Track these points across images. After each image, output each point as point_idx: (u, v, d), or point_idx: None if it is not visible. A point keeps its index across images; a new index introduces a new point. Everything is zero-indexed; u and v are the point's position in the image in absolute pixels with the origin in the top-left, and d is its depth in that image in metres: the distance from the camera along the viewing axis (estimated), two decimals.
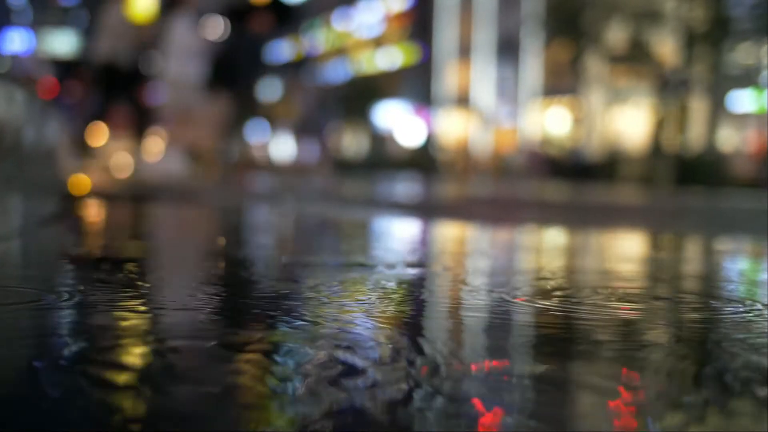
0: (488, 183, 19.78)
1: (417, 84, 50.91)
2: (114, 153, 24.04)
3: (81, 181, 10.00)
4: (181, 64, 11.17)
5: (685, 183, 19.57)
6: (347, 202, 7.85)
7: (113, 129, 22.93)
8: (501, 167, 34.21)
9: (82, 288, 1.99)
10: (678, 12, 28.01)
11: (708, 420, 0.99)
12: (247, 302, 1.87)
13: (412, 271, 2.39)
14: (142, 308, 1.70)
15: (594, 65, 34.19)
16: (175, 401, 1.00)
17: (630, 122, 36.69)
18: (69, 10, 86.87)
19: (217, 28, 12.31)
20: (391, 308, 1.74)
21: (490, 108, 44.84)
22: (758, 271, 2.87)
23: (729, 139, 33.11)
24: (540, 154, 32.75)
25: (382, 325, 1.51)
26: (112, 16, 11.45)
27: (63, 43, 65.04)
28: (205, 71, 11.71)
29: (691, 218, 6.86)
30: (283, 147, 63.28)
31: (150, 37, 11.46)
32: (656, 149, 27.09)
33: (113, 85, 11.31)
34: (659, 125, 28.24)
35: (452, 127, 47.04)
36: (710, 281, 2.58)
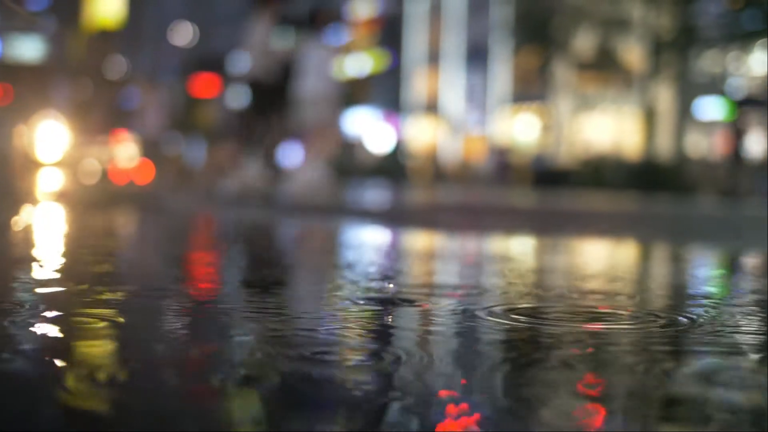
0: (456, 190, 19.82)
1: (386, 90, 50.91)
2: (82, 159, 23.95)
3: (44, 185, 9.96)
4: (317, 81, 11.68)
5: (652, 189, 19.69)
6: (311, 210, 7.85)
7: (83, 135, 22.85)
8: (469, 174, 34.26)
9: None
10: (645, 20, 28.20)
11: None
12: None
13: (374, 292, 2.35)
14: None
15: (562, 72, 34.35)
16: None
17: (597, 128, 36.87)
18: (36, 15, 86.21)
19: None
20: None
21: (459, 115, 44.91)
22: (702, 282, 2.91)
23: (696, 146, 33.33)
24: (503, 161, 32.81)
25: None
26: (257, 36, 11.83)
27: (30, 48, 64.56)
28: (336, 87, 12.40)
29: (655, 225, 6.92)
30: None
31: (288, 55, 11.91)
32: (622, 156, 27.23)
33: (261, 103, 11.76)
34: (626, 132, 28.39)
35: (421, 134, 47.07)
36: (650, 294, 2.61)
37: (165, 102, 21.27)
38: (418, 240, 4.50)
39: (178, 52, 70.36)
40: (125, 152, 23.03)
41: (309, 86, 11.61)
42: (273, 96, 11.72)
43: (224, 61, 28.55)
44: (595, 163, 27.39)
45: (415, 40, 49.43)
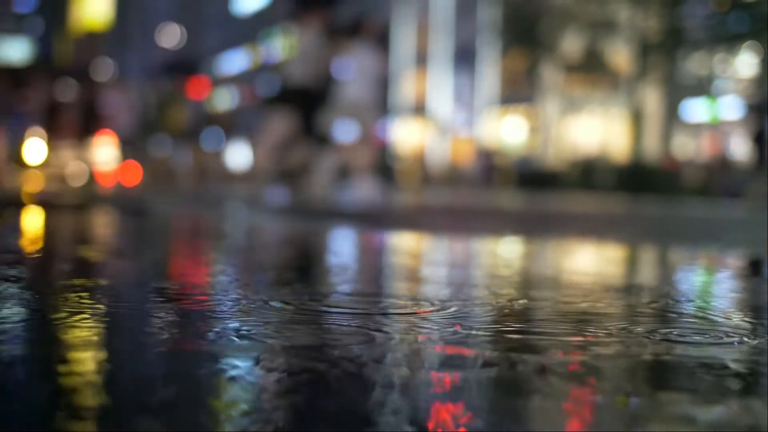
0: (444, 192, 19.82)
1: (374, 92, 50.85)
2: (68, 161, 23.88)
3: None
4: (361, 88, 11.92)
5: (639, 191, 19.72)
6: (299, 212, 7.83)
7: (61, 137, 22.80)
8: (456, 176, 34.27)
9: None
10: (632, 22, 28.27)
11: None
12: None
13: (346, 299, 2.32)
14: None
15: (550, 74, 34.41)
16: None
17: (585, 130, 36.95)
18: (24, 17, 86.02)
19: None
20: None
21: (447, 117, 44.94)
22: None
23: (683, 148, 33.42)
24: (490, 163, 32.82)
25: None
26: (305, 42, 12.03)
27: (17, 50, 64.47)
28: (379, 94, 12.68)
29: (642, 227, 6.92)
30: (237, 155, 63.12)
31: (331, 62, 12.16)
32: (609, 158, 27.30)
33: (306, 109, 12.00)
34: (614, 134, 28.48)
35: (409, 136, 47.07)
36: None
37: (134, 103, 21.27)
38: (406, 242, 4.48)
39: (163, 53, 70.32)
40: (111, 154, 23.00)
41: (353, 94, 11.83)
42: (316, 103, 11.95)
43: (199, 63, 28.69)
44: (582, 165, 27.44)
45: (403, 42, 49.44)
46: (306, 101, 11.81)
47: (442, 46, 45.87)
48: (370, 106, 12.23)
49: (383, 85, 12.95)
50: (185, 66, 27.59)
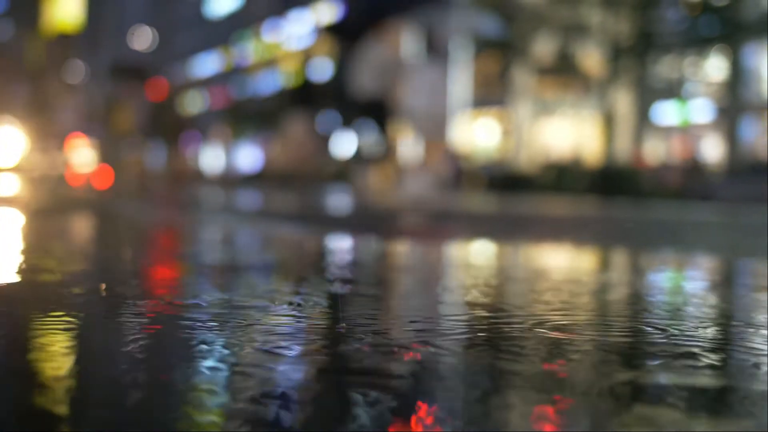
0: (415, 194, 19.83)
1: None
2: (40, 163, 23.75)
3: None
4: (429, 98, 12.42)
5: (611, 194, 19.82)
6: (268, 216, 7.84)
7: (41, 139, 22.67)
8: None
9: None
10: (604, 25, 28.41)
11: None
12: None
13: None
14: None
15: (522, 77, 34.52)
16: None
17: (557, 133, 37.06)
18: None
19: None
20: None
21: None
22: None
23: (654, 151, 33.59)
24: (458, 166, 32.81)
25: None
26: (373, 54, 12.44)
27: None
28: (445, 103, 13.19)
29: (611, 230, 6.97)
30: (210, 158, 62.82)
31: (397, 74, 12.59)
32: (582, 160, 27.40)
33: (375, 117, 12.48)
34: (586, 136, 28.60)
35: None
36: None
37: (81, 103, 21.26)
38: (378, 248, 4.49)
39: (136, 55, 70.03)
40: (83, 157, 22.91)
41: (421, 103, 12.27)
42: (385, 113, 12.40)
43: (148, 66, 28.63)
44: (554, 167, 27.53)
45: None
46: (377, 112, 12.29)
47: (415, 48, 45.86)
48: (438, 114, 12.84)
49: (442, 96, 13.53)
50: (141, 68, 27.54)
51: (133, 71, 26.14)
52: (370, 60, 12.33)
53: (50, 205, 8.46)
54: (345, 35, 25.87)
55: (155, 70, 61.89)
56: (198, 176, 40.87)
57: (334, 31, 27.39)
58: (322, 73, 54.20)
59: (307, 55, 58.63)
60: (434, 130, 12.53)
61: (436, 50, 12.88)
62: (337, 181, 24.10)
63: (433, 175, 13.03)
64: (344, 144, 34.83)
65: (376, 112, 12.30)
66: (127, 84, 24.87)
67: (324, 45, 56.23)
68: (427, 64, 12.25)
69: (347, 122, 31.62)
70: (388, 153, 13.35)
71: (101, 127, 23.65)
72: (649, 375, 1.31)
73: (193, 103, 66.73)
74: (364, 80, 12.25)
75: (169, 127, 26.90)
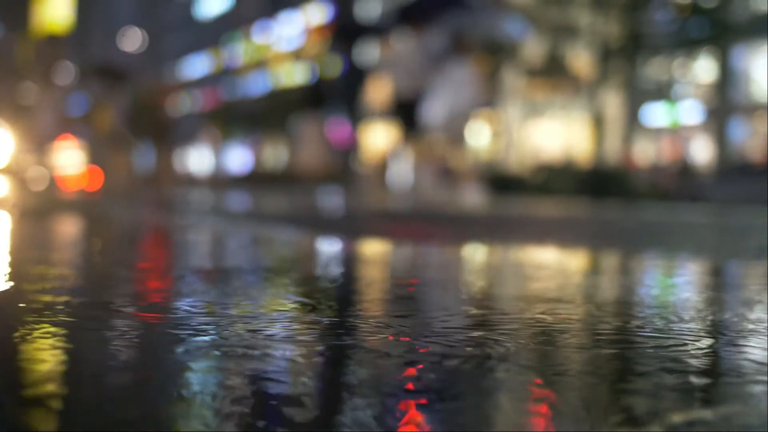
0: (407, 196, 19.82)
1: (337, 96, 50.82)
2: (29, 165, 23.71)
3: None
4: (456, 101, 12.55)
5: (601, 195, 19.85)
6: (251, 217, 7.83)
7: (30, 141, 22.65)
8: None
9: None
10: (593, 27, 28.47)
11: None
12: None
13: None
14: None
15: (511, 79, 34.58)
16: None
17: (547, 135, 37.14)
18: None
19: None
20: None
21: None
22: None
23: (643, 152, 33.68)
24: (446, 167, 32.80)
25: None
26: (405, 56, 12.64)
27: None
28: (471, 107, 13.50)
29: (600, 231, 6.98)
30: (199, 160, 62.69)
31: (430, 76, 12.83)
32: (571, 162, 27.46)
33: (408, 120, 12.81)
34: (575, 138, 28.65)
35: (374, 140, 47.09)
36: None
37: (60, 103, 21.18)
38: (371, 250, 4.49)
39: (126, 56, 69.97)
40: (72, 158, 22.85)
41: (448, 105, 12.41)
42: (417, 115, 12.66)
43: (122, 69, 28.56)
44: (544, 169, 27.57)
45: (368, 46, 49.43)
46: (410, 113, 12.51)
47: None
48: (463, 117, 13.01)
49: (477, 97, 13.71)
50: (119, 69, 27.50)
51: (110, 72, 26.11)
52: (398, 62, 12.55)
53: (40, 207, 8.45)
54: (350, 36, 26.04)
55: (136, 71, 61.86)
56: (187, 178, 40.80)
57: (343, 31, 27.58)
58: (330, 73, 54.23)
59: (297, 56, 58.65)
60: (456, 131, 12.75)
61: (461, 53, 13.02)
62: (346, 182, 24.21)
63: (452, 174, 13.30)
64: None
65: (405, 113, 12.55)
66: (104, 84, 24.80)
67: (315, 46, 56.24)
68: (453, 67, 12.43)
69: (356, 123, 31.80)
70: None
71: (89, 129, 23.73)
72: None
73: (183, 105, 66.70)
74: (398, 82, 12.50)
75: (156, 128, 26.87)
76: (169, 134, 30.73)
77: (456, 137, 13.10)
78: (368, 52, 29.00)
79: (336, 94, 25.98)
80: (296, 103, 51.68)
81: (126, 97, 23.05)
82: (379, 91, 14.13)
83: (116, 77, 25.67)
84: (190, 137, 50.12)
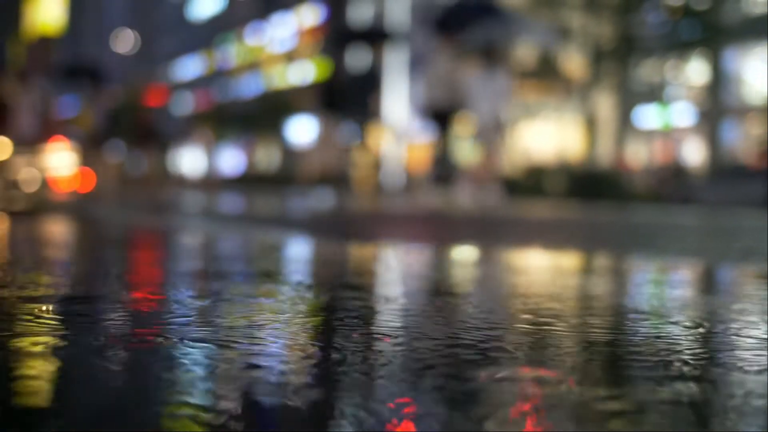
0: (399, 198, 19.85)
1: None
2: (21, 167, 23.68)
3: None
4: (490, 109, 12.90)
5: (593, 197, 19.88)
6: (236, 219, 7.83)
7: (22, 143, 22.61)
8: (412, 182, 34.32)
9: None
10: (586, 29, 28.51)
11: None
12: None
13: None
14: None
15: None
16: None
17: (539, 137, 37.16)
18: None
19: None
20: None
21: (403, 123, 45.03)
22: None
23: (636, 154, 33.72)
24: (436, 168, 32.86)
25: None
26: (438, 66, 13.04)
27: None
28: (503, 115, 13.89)
29: (592, 233, 6.99)
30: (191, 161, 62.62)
31: (463, 84, 13.15)
32: (564, 164, 27.48)
33: (443, 126, 13.28)
34: (568, 140, 28.68)
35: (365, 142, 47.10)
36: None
37: (37, 103, 21.10)
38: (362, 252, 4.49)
39: (118, 58, 69.90)
40: (64, 160, 22.83)
41: (483, 113, 12.72)
42: (450, 122, 13.05)
43: (97, 69, 28.53)
44: (536, 171, 27.59)
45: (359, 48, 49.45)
46: (443, 121, 12.86)
47: (397, 51, 45.96)
48: (497, 124, 13.38)
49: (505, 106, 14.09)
50: (94, 69, 27.51)
51: (86, 72, 26.09)
52: (434, 70, 12.92)
53: (32, 209, 8.45)
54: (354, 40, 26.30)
55: (127, 72, 61.85)
56: (179, 179, 40.78)
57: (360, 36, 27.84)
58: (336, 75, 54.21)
59: (290, 58, 58.68)
60: (491, 139, 13.11)
61: (496, 61, 13.36)
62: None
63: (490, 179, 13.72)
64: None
65: (440, 121, 12.93)
66: (79, 85, 24.77)
67: (308, 47, 56.24)
68: (489, 76, 12.73)
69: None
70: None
71: (79, 130, 23.74)
72: None
73: (176, 106, 66.63)
74: (429, 90, 12.88)
75: (140, 128, 26.97)
76: (154, 134, 30.68)
77: (491, 144, 13.53)
78: (368, 55, 29.06)
79: (347, 96, 26.16)
80: (296, 104, 51.72)
81: (105, 98, 23.02)
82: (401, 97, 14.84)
83: (94, 78, 25.62)
84: (178, 136, 50.04)
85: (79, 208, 9.22)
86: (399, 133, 45.03)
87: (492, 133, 13.54)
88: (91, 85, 24.44)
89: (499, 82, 13.63)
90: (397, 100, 45.95)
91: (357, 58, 28.06)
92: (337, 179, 35.19)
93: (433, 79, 13.36)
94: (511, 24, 17.12)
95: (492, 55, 13.91)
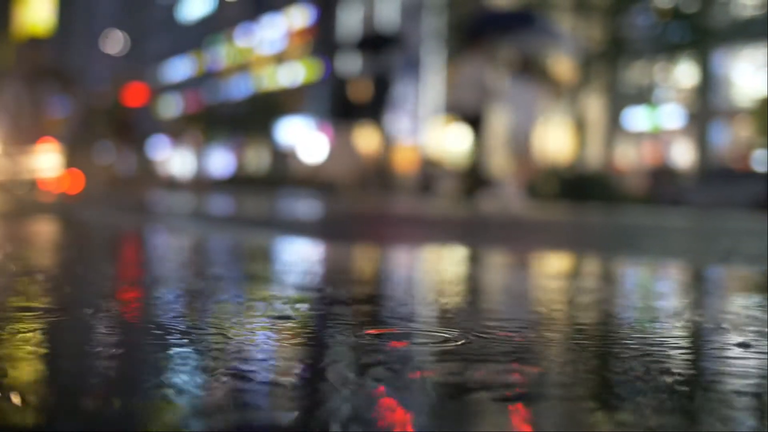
0: (386, 200, 19.85)
1: (319, 100, 50.92)
2: (11, 169, 23.61)
3: None
4: (521, 118, 13.22)
5: (581, 199, 19.91)
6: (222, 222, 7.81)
7: (11, 144, 22.57)
8: (398, 184, 34.32)
9: None
10: (575, 31, 28.56)
11: None
12: None
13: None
14: None
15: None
16: None
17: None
18: None
19: None
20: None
21: (392, 125, 44.99)
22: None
23: (624, 156, 33.79)
24: (429, 172, 32.95)
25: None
26: (468, 72, 13.25)
27: None
28: (534, 123, 14.24)
29: (586, 235, 7.00)
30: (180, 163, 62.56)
31: (494, 91, 13.43)
32: (553, 166, 27.53)
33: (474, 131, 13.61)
34: (557, 142, 28.71)
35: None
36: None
37: (9, 106, 21.04)
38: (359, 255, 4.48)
39: (107, 59, 69.78)
40: (53, 161, 22.76)
41: (514, 121, 13.00)
42: (478, 127, 13.27)
43: (67, 70, 28.52)
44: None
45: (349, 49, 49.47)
46: (475, 126, 13.05)
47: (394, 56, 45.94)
48: (528, 132, 13.71)
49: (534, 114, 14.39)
50: (61, 70, 27.43)
51: (54, 73, 25.97)
52: (465, 77, 13.01)
53: (20, 210, 8.42)
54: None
55: (79, 73, 61.87)
56: (169, 181, 40.73)
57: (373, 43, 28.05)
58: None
59: (280, 60, 58.65)
60: (522, 146, 13.42)
61: (526, 73, 13.60)
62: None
63: (520, 185, 14.11)
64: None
65: (471, 126, 13.12)
66: (48, 86, 24.66)
67: (297, 48, 56.21)
68: (519, 83, 12.96)
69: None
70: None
71: (68, 131, 23.69)
72: None
73: (165, 107, 66.54)
74: (460, 96, 12.96)
75: (118, 127, 26.95)
76: (132, 133, 30.58)
77: (521, 152, 13.87)
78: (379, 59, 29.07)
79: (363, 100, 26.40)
80: (284, 107, 51.66)
81: (82, 98, 22.99)
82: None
83: (65, 81, 25.55)
84: (158, 135, 49.94)
85: (67, 209, 9.19)
86: (388, 135, 44.99)
87: (524, 140, 13.88)
88: (62, 87, 24.40)
89: (531, 91, 13.97)
90: (392, 102, 45.88)
91: (375, 64, 28.20)
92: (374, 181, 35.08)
93: (464, 84, 13.56)
94: (547, 35, 17.34)
95: (527, 65, 14.26)
